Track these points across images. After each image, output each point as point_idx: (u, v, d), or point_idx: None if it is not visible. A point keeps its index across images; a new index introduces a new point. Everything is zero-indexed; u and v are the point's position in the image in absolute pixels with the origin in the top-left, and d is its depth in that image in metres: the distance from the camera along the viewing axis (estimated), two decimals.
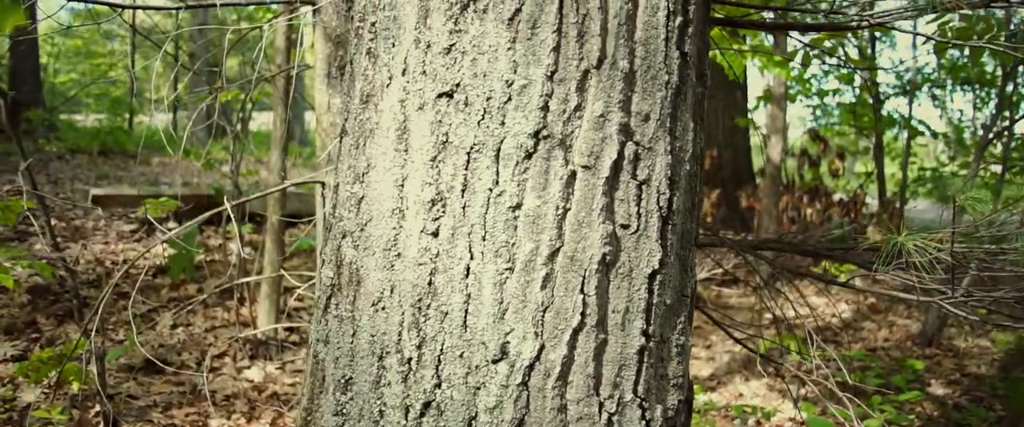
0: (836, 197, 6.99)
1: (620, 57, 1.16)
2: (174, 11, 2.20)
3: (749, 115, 7.69)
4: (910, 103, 7.53)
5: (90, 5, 2.26)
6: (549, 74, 1.14)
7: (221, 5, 2.28)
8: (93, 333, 2.27)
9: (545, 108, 1.14)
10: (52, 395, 2.83)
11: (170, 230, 5.22)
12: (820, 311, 5.26)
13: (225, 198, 2.32)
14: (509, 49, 1.14)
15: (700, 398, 3.64)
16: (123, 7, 2.43)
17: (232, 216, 2.18)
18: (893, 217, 6.64)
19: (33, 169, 3.21)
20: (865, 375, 3.93)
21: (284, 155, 3.63)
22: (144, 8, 2.36)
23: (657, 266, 1.19)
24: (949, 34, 3.00)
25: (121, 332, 3.65)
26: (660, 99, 1.19)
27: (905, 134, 7.38)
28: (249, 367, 3.49)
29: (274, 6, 3.45)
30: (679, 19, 1.21)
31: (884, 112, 7.27)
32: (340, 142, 1.33)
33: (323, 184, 2.47)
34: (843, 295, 5.67)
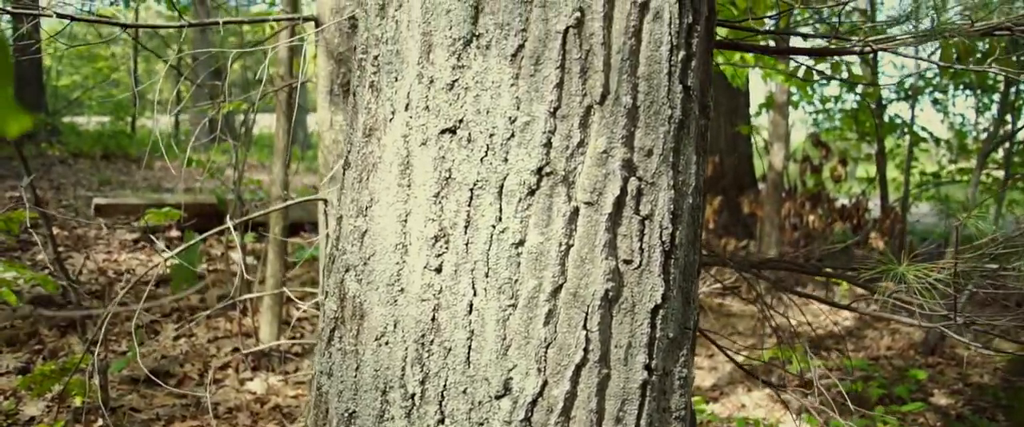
0: (838, 203, 6.98)
1: (623, 93, 1.16)
2: (178, 28, 2.20)
3: (751, 121, 7.69)
4: (912, 108, 7.52)
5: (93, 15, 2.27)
6: (552, 110, 1.14)
7: (225, 23, 2.29)
8: (97, 347, 2.28)
9: (548, 144, 1.14)
10: (55, 408, 2.84)
11: (172, 239, 5.20)
12: (822, 320, 5.26)
13: (227, 217, 2.33)
14: (512, 85, 1.15)
15: (702, 410, 3.64)
16: (127, 25, 2.44)
17: (234, 232, 2.18)
18: (895, 223, 6.63)
19: (36, 175, 3.21)
20: (867, 385, 3.93)
21: (286, 167, 3.64)
22: (148, 27, 2.37)
23: (660, 301, 1.20)
24: (950, 48, 3.00)
25: (124, 343, 3.65)
26: (663, 134, 1.19)
27: (907, 139, 7.38)
28: (252, 379, 3.49)
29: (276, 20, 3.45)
30: (682, 53, 1.21)
31: (886, 117, 7.26)
32: (343, 173, 1.33)
33: (326, 201, 2.47)
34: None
